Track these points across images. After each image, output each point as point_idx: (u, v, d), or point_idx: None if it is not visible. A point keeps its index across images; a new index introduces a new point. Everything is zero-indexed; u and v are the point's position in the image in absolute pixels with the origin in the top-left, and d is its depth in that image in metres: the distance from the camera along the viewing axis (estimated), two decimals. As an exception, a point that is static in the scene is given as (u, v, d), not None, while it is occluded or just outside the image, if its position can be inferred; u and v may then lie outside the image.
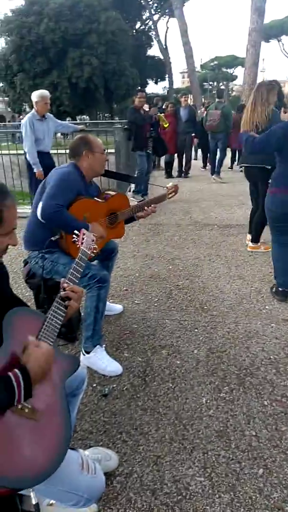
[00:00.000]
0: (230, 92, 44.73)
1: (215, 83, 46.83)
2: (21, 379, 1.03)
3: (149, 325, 2.79)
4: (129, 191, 6.97)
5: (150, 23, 33.39)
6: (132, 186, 6.93)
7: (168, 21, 34.51)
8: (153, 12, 32.85)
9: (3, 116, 36.92)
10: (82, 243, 1.51)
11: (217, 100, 8.55)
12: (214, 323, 2.80)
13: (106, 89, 25.42)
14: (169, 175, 9.09)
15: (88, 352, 2.31)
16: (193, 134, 8.77)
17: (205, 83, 43.99)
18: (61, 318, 1.28)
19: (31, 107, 5.13)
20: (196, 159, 11.30)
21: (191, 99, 15.64)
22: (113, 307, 2.95)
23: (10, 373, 1.03)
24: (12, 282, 1.47)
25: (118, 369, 2.28)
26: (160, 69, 33.50)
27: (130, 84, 25.74)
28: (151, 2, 32.54)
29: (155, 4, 33.02)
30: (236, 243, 4.42)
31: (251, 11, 13.70)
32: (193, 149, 9.94)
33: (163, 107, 9.38)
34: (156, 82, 35.90)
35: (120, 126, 7.04)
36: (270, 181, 3.22)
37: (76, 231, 1.54)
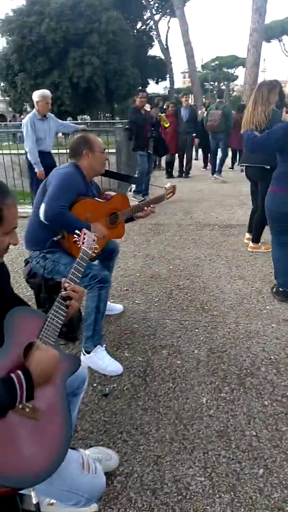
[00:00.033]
0: (231, 92, 44.74)
1: (216, 83, 46.83)
2: (23, 380, 1.03)
3: (149, 325, 2.79)
4: (130, 191, 6.97)
5: (151, 23, 33.40)
6: (133, 186, 6.93)
7: (169, 21, 34.63)
8: (154, 12, 32.85)
9: (4, 115, 36.99)
10: (83, 243, 1.51)
11: (217, 100, 8.54)
12: (215, 323, 2.80)
13: (107, 89, 25.43)
14: (170, 175, 9.09)
15: (88, 352, 2.31)
16: (194, 134, 8.76)
17: (206, 83, 43.94)
18: (62, 317, 1.28)
19: (32, 106, 5.14)
20: (197, 159, 11.30)
21: (192, 99, 15.65)
22: (114, 307, 2.96)
23: (12, 375, 1.03)
24: (13, 282, 1.46)
25: (118, 369, 2.28)
26: (161, 69, 33.51)
27: (131, 84, 25.75)
28: (152, 2, 32.53)
29: (156, 4, 33.02)
30: (237, 243, 4.42)
31: (252, 11, 13.72)
32: (193, 149, 9.94)
33: (164, 107, 9.38)
34: (157, 82, 35.94)
35: (121, 126, 7.04)
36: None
37: (77, 231, 1.54)
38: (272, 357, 2.41)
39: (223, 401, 2.04)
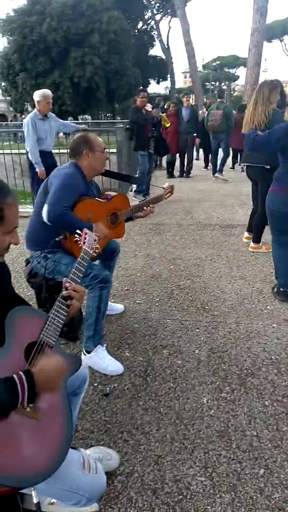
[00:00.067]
0: (232, 92, 44.71)
1: (217, 83, 46.82)
2: (25, 381, 1.02)
3: (150, 325, 2.79)
4: (131, 191, 6.97)
5: (152, 23, 33.40)
6: (134, 186, 6.93)
7: (170, 21, 34.54)
8: (155, 12, 32.84)
9: (5, 115, 37.01)
10: (84, 243, 1.52)
11: (218, 100, 8.55)
12: (216, 323, 2.79)
13: (108, 88, 25.41)
14: (170, 175, 9.09)
15: (89, 352, 2.31)
16: (194, 134, 8.76)
17: (207, 83, 43.97)
18: (63, 317, 1.28)
19: (33, 106, 5.14)
20: (198, 159, 11.30)
21: (193, 99, 15.64)
22: (115, 306, 2.96)
23: (14, 375, 1.03)
24: (14, 281, 1.46)
25: (119, 368, 2.28)
26: (162, 69, 33.48)
27: (132, 83, 25.73)
28: (153, 2, 32.52)
29: (157, 4, 33.00)
30: (238, 243, 4.42)
31: (253, 11, 13.70)
32: (194, 149, 9.94)
33: (165, 107, 9.38)
34: (158, 82, 35.90)
35: (122, 126, 7.04)
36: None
37: (78, 231, 1.55)
38: (273, 357, 2.41)
39: (223, 401, 2.04)
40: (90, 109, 28.27)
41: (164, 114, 8.21)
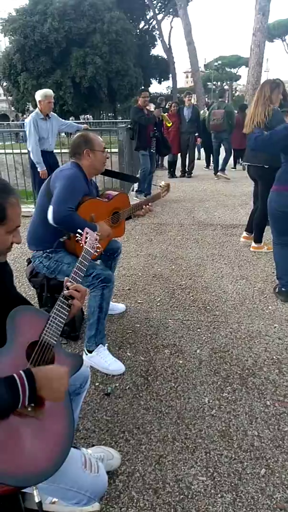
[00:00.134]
0: (234, 92, 44.68)
1: (219, 83, 46.74)
2: (25, 379, 1.01)
3: (151, 325, 2.79)
4: (133, 190, 6.97)
5: (154, 22, 33.33)
6: (136, 185, 6.93)
7: (172, 20, 34.46)
8: (157, 12, 32.78)
9: (6, 115, 37.06)
10: (85, 242, 1.52)
11: (219, 99, 8.54)
12: (217, 323, 2.79)
13: (110, 88, 25.43)
14: (172, 174, 9.08)
15: (90, 351, 2.31)
16: (196, 134, 8.75)
17: (209, 83, 43.93)
18: (65, 317, 1.28)
19: (35, 106, 5.15)
20: (200, 159, 11.29)
21: (194, 99, 15.63)
22: (116, 306, 2.96)
23: (14, 374, 1.02)
24: (15, 281, 1.46)
25: (120, 368, 2.28)
26: (164, 68, 33.44)
27: (134, 83, 25.74)
28: (155, 2, 32.48)
29: (159, 4, 32.98)
30: (239, 243, 4.41)
31: (255, 10, 13.65)
32: (196, 148, 9.93)
33: (167, 106, 9.37)
34: (159, 82, 35.84)
35: (123, 125, 7.04)
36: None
37: (79, 230, 1.55)
38: (274, 357, 2.40)
39: (225, 401, 2.04)
40: (92, 109, 28.30)
41: (166, 114, 8.21)
